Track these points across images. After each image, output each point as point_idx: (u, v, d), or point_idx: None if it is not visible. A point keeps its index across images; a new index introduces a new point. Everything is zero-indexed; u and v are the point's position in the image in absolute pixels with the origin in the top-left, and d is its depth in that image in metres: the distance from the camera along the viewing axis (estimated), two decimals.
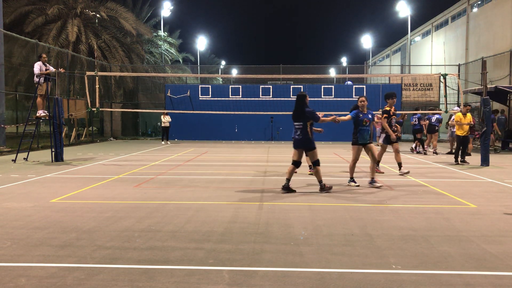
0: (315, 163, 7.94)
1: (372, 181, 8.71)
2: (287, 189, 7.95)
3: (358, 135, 8.69)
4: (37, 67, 12.58)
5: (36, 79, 12.70)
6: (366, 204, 6.92)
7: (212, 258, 4.29)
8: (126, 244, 4.70)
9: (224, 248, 4.60)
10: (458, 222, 5.72)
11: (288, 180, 7.97)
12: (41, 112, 12.95)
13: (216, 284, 3.64)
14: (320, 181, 7.98)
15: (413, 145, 17.02)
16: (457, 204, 6.97)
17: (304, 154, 8.16)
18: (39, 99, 12.89)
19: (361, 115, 8.68)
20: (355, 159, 8.73)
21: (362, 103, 8.76)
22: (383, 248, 4.62)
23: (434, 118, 16.50)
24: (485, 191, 8.22)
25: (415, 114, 16.83)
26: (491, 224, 5.66)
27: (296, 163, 8.03)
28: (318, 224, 5.62)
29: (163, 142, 22.41)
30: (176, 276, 3.81)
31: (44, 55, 12.88)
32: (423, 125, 16.88)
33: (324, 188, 7.96)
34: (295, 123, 8.03)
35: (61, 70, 14.06)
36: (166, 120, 21.95)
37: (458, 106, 16.45)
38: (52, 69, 13.06)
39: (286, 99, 24.90)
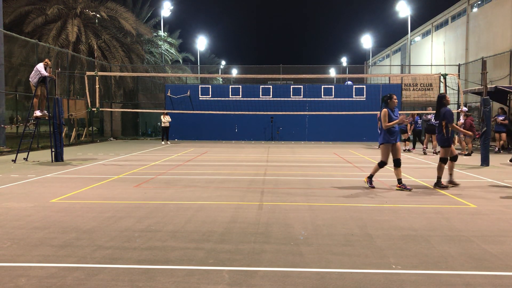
0: (441, 159, 8.56)
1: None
2: (438, 185, 8.53)
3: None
4: (42, 67, 12.61)
5: (34, 80, 12.72)
6: (366, 204, 6.92)
7: (212, 258, 4.29)
8: (126, 244, 4.70)
9: (224, 248, 4.60)
10: (458, 222, 5.72)
11: (439, 177, 8.56)
12: (37, 113, 12.98)
13: (216, 284, 3.64)
14: (438, 177, 8.54)
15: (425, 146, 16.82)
16: (457, 204, 6.98)
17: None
18: (35, 100, 12.93)
19: None
20: None
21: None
22: (383, 248, 4.62)
23: (434, 118, 16.38)
24: (485, 191, 8.22)
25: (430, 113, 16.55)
26: (491, 224, 5.66)
27: (443, 160, 8.58)
28: (318, 224, 5.62)
29: (163, 142, 22.40)
30: (176, 276, 3.81)
31: (47, 60, 12.95)
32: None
33: (438, 184, 8.50)
34: (435, 121, 9.05)
35: (51, 75, 13.72)
36: (166, 120, 21.95)
37: (465, 105, 16.33)
38: (50, 73, 13.08)
39: (286, 99, 24.93)
